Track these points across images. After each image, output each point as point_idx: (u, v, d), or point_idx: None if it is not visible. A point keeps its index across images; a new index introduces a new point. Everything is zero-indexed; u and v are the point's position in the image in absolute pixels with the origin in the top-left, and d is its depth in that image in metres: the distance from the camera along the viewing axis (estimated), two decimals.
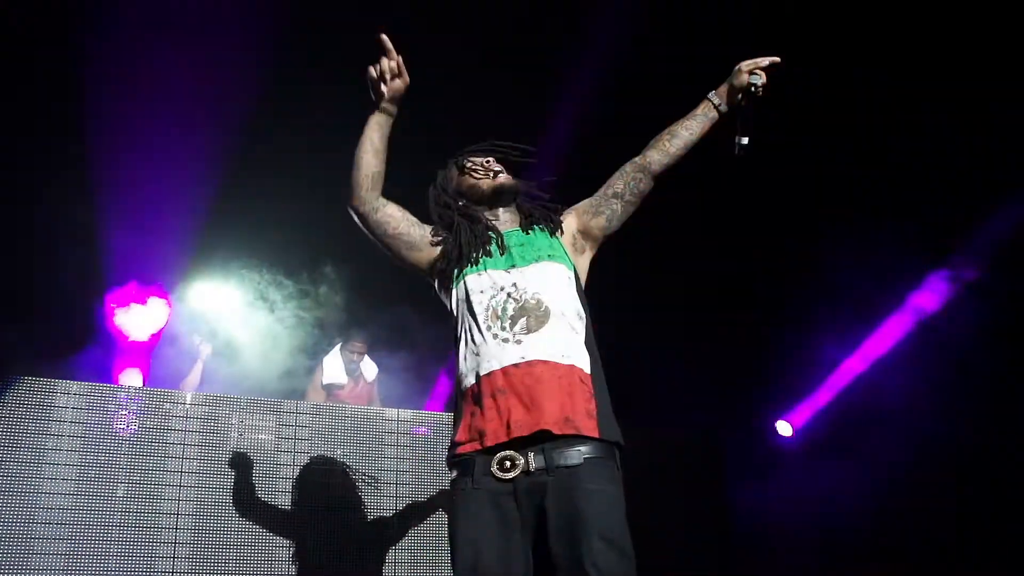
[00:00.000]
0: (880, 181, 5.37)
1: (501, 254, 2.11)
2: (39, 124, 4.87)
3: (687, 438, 5.30)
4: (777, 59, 2.22)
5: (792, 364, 6.23)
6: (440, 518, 3.87)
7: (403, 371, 5.68)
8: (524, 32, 5.06)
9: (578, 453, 1.82)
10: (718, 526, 5.15)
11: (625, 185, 2.23)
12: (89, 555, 3.24)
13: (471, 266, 2.10)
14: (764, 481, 5.88)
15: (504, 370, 1.91)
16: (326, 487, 3.75)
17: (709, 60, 2.63)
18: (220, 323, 5.55)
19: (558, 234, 2.21)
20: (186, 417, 3.64)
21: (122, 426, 3.49)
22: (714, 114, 2.23)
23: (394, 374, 5.63)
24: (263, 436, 3.73)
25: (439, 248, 2.19)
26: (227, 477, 3.59)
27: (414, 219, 2.23)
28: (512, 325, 1.95)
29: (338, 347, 5.32)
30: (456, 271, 2.13)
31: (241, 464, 3.58)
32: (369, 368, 5.33)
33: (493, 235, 2.16)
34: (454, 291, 2.11)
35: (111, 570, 3.25)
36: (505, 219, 2.25)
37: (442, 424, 4.11)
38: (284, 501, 3.63)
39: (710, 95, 2.24)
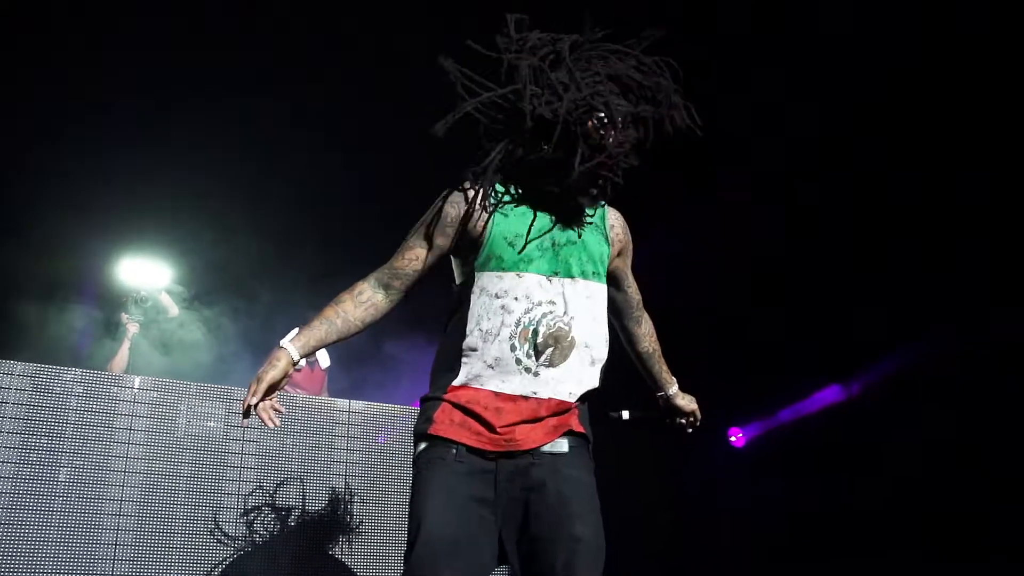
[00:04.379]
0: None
1: (550, 252, 1.83)
2: None
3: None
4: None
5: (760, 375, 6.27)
6: (391, 509, 3.89)
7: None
8: None
9: (564, 442, 1.82)
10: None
11: (626, 310, 2.15)
12: (26, 540, 3.18)
13: (508, 262, 1.81)
14: (712, 484, 5.99)
15: (511, 396, 1.79)
16: (275, 476, 3.74)
17: None
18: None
19: (610, 241, 1.95)
20: (133, 402, 3.59)
21: (67, 409, 3.43)
22: (659, 392, 2.26)
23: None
24: (211, 424, 3.70)
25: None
26: (173, 464, 3.55)
27: (429, 240, 1.92)
28: (537, 355, 1.77)
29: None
30: (485, 256, 1.84)
31: (188, 451, 3.54)
32: (323, 356, 5.30)
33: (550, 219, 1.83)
34: (479, 277, 1.84)
35: (49, 556, 3.20)
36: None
37: (394, 418, 4.11)
38: (231, 490, 3.61)
39: (672, 391, 2.25)
